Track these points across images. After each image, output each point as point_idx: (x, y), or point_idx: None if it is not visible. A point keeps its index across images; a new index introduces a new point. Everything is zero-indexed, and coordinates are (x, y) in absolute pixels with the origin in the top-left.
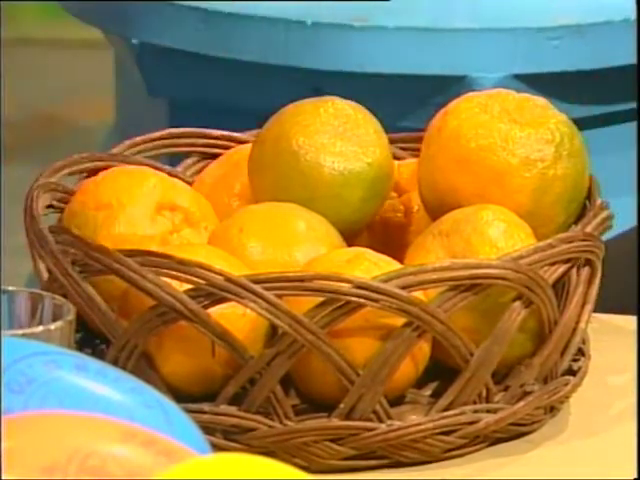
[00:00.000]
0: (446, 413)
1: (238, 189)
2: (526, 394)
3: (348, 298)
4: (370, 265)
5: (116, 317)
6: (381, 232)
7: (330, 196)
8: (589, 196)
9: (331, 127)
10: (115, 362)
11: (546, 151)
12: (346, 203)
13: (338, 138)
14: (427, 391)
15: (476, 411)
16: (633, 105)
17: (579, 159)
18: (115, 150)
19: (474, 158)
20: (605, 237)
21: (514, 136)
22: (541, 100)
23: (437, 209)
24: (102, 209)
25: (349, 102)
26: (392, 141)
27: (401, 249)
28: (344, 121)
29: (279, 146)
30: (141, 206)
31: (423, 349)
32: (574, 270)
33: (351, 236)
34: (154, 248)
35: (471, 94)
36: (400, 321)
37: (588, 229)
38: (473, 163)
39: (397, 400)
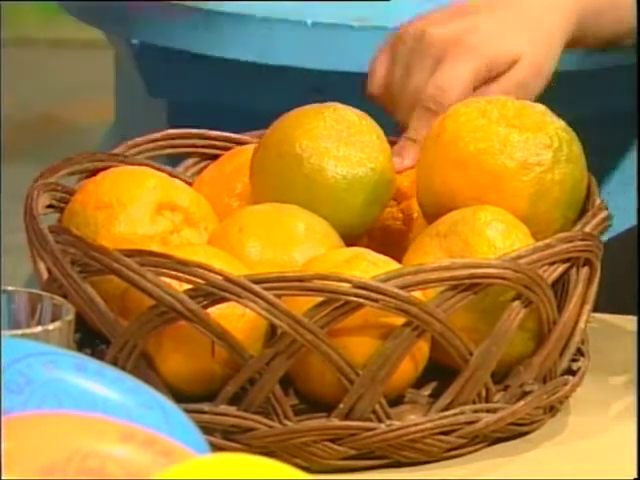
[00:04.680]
0: (445, 413)
1: (238, 190)
2: (525, 394)
3: (347, 298)
4: (369, 265)
5: (115, 317)
6: (380, 240)
7: (332, 200)
8: (588, 196)
9: (335, 132)
10: (114, 362)
11: (544, 155)
12: (348, 207)
13: (342, 143)
14: (426, 391)
15: (475, 411)
16: (633, 105)
17: (577, 166)
18: (115, 150)
19: (472, 161)
20: (605, 237)
21: (512, 140)
22: (540, 107)
23: (434, 212)
24: (102, 209)
25: (352, 108)
26: (392, 143)
27: (401, 256)
28: (347, 126)
29: (282, 149)
30: (141, 206)
31: (422, 349)
32: (573, 270)
33: (352, 241)
34: (154, 248)
35: (470, 99)
36: (399, 321)
37: (587, 229)
38: (471, 166)
39: (396, 400)
